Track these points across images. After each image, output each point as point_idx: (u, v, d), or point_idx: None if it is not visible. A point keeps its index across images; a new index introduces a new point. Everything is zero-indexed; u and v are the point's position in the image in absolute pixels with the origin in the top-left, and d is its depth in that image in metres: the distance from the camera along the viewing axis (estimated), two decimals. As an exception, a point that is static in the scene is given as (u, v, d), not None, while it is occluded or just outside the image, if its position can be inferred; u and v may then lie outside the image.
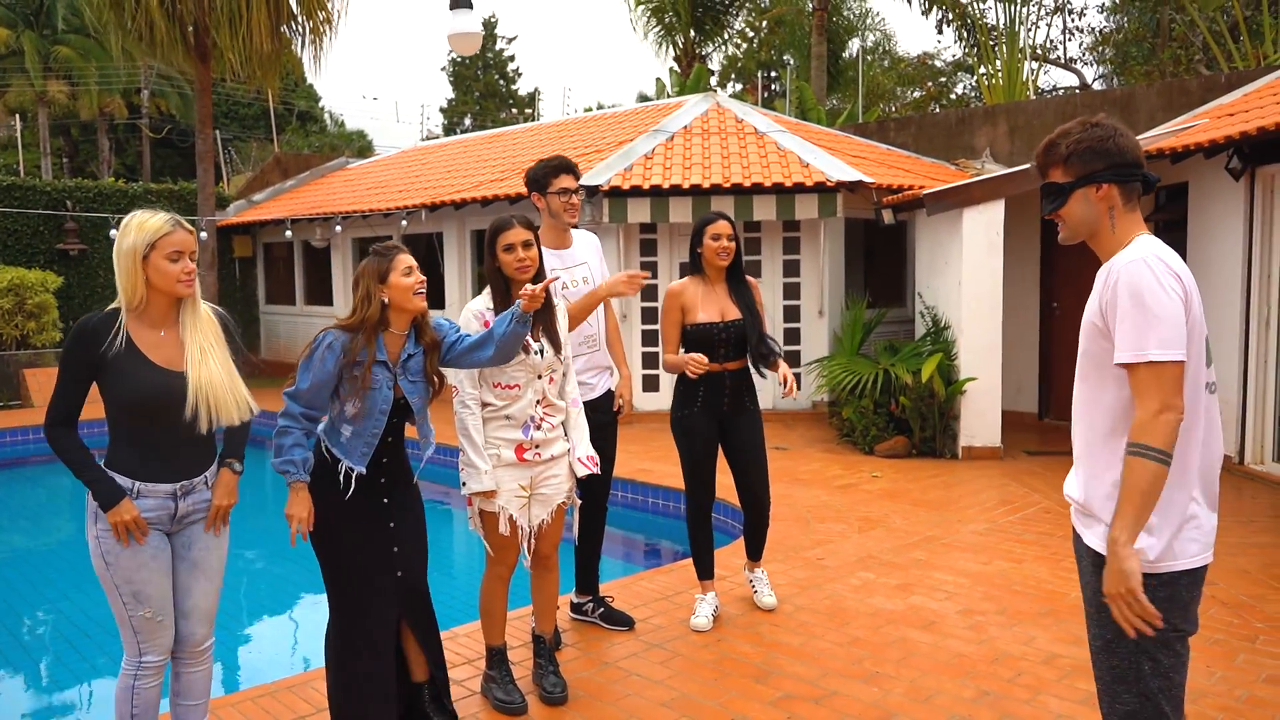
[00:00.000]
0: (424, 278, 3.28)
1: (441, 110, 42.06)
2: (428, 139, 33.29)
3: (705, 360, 4.29)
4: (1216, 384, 2.32)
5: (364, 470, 3.22)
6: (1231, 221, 7.75)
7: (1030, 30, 16.58)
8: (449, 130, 40.31)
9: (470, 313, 3.60)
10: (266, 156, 21.87)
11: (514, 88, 43.16)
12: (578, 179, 4.37)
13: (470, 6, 7.44)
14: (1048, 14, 16.85)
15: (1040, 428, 10.02)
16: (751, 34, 27.82)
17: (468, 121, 41.10)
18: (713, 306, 4.45)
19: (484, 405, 3.62)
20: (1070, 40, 20.55)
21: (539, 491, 3.72)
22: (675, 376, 4.54)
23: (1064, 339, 9.99)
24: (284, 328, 16.18)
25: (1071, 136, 2.30)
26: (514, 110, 41.84)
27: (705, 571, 4.62)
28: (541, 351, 3.65)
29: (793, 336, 10.70)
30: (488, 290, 3.69)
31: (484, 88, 42.27)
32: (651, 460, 8.41)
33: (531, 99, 43.04)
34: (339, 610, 3.27)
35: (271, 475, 11.02)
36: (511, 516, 3.63)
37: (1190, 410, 2.17)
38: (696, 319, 4.44)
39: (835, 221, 10.53)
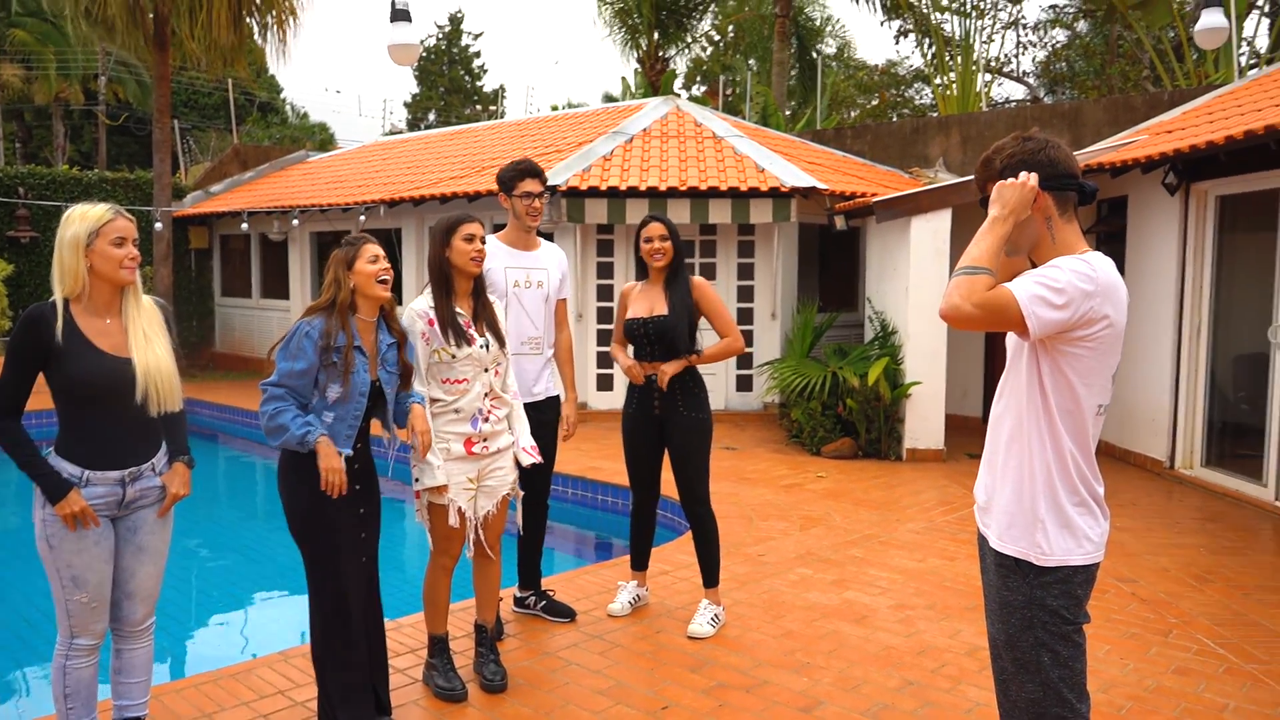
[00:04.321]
0: (389, 267, 3.39)
1: (406, 105, 41.89)
2: (391, 133, 33.13)
3: (637, 369, 4.43)
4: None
5: (350, 452, 3.31)
6: (1167, 235, 8.03)
7: (985, 43, 16.90)
8: (413, 125, 40.14)
9: (413, 313, 3.70)
10: (226, 147, 21.69)
11: (479, 84, 43.05)
12: (543, 184, 4.48)
13: (409, 19, 7.53)
14: (1002, 27, 17.21)
15: (984, 431, 10.24)
16: (717, 37, 28.05)
17: (432, 116, 40.96)
18: (643, 303, 4.52)
19: (433, 401, 3.72)
20: (1023, 54, 20.99)
21: (485, 483, 3.82)
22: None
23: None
24: (239, 320, 16.08)
25: (1005, 152, 2.40)
26: (479, 106, 41.75)
27: (637, 563, 4.77)
28: (486, 345, 3.76)
29: (745, 339, 10.86)
30: (428, 290, 3.78)
31: (449, 83, 42.14)
32: (602, 458, 8.53)
33: (497, 96, 42.98)
34: (324, 594, 3.34)
35: (218, 468, 10.91)
36: (460, 508, 3.74)
37: (1093, 433, 2.35)
38: (628, 315, 4.55)
39: (789, 226, 10.72)
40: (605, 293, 10.77)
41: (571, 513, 7.86)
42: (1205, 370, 7.78)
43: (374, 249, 3.37)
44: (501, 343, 3.84)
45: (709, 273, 10.80)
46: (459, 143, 14.73)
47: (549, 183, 10.12)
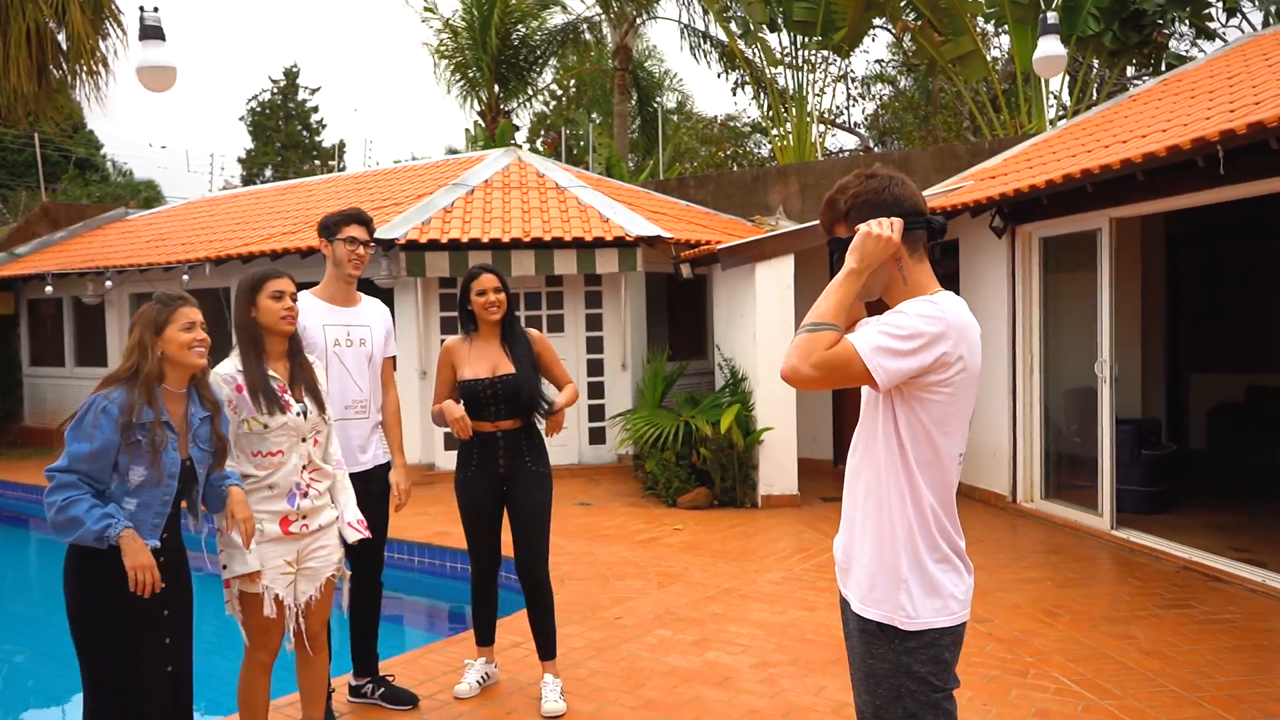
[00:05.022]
0: (206, 337, 3.04)
1: (240, 161, 40.31)
2: (225, 190, 31.74)
3: (468, 422, 4.12)
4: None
5: (158, 544, 2.91)
6: (997, 276, 8.31)
7: (817, 96, 17.52)
8: (248, 181, 38.62)
9: (218, 378, 3.32)
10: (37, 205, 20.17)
11: (318, 139, 41.95)
12: (370, 233, 4.18)
13: (162, 38, 6.86)
14: (832, 81, 17.91)
15: (835, 474, 10.35)
16: (560, 91, 28.18)
17: (268, 173, 39.52)
18: (482, 362, 4.22)
19: (244, 477, 3.33)
20: (854, 106, 21.98)
21: (306, 565, 3.45)
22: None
23: (856, 388, 10.40)
24: (51, 392, 14.82)
25: (849, 191, 2.26)
26: (317, 162, 40.61)
27: (482, 638, 4.45)
28: (305, 413, 3.41)
29: (596, 390, 10.68)
30: (235, 353, 3.41)
31: (285, 138, 40.89)
32: (450, 522, 8.10)
33: (336, 151, 41.94)
34: (98, 713, 2.90)
35: (27, 556, 9.86)
36: (277, 596, 3.34)
37: (951, 485, 2.23)
38: (464, 375, 4.23)
39: (636, 275, 10.64)
40: (450, 349, 10.39)
41: (419, 583, 7.41)
42: (1040, 405, 8.04)
43: (190, 313, 3.01)
44: (322, 408, 3.49)
45: (556, 324, 10.59)
46: (292, 197, 14.11)
47: (389, 236, 9.74)
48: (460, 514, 4.34)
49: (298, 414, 3.38)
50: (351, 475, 3.96)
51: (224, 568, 3.29)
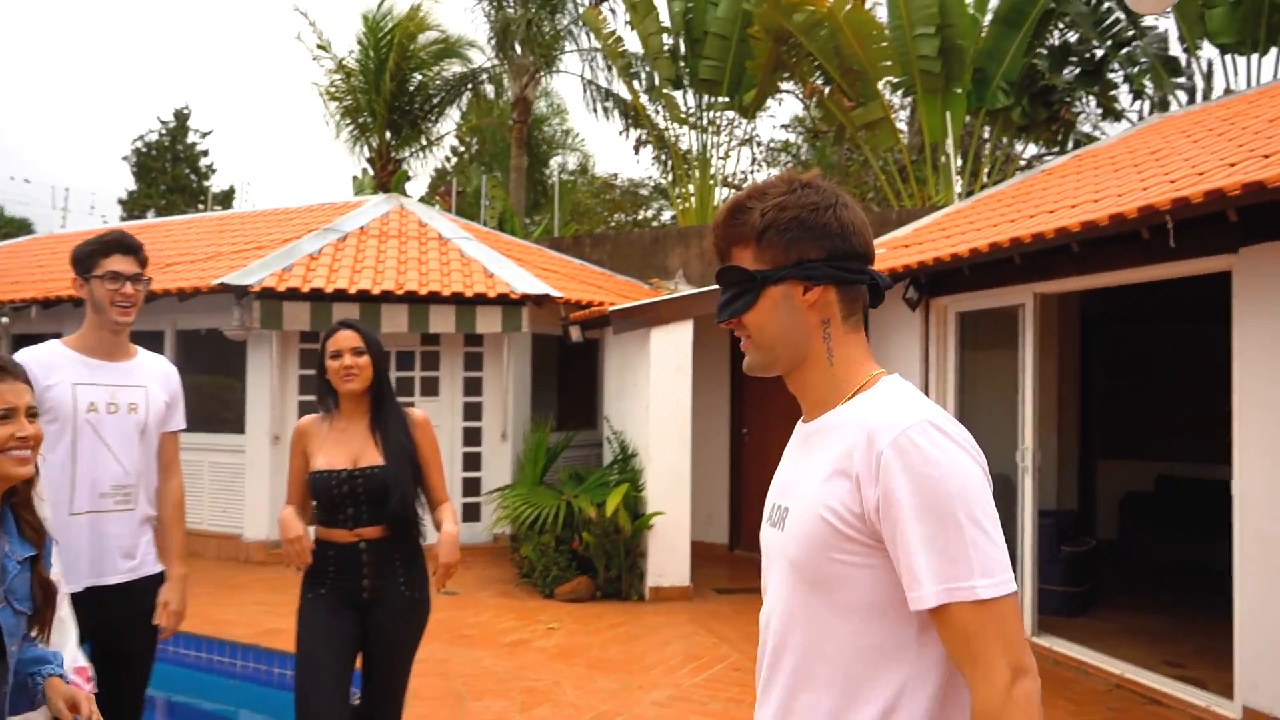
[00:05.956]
0: (34, 430, 2.04)
1: (120, 202, 38.22)
2: (103, 226, 29.76)
3: (306, 545, 3.12)
4: None
5: None
6: (909, 352, 7.68)
7: (722, 159, 17.09)
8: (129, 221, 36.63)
9: None
10: None
11: (206, 184, 40.19)
12: (141, 265, 3.20)
13: None
14: (737, 144, 17.56)
15: (731, 560, 9.54)
16: (461, 149, 27.35)
17: (151, 215, 37.61)
18: (341, 449, 3.24)
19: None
20: (759, 170, 21.71)
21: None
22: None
23: (754, 466, 9.67)
24: None
25: (771, 199, 1.42)
26: (201, 206, 38.84)
27: None
28: None
29: (473, 462, 9.65)
30: None
31: (172, 180, 39.04)
32: (286, 615, 6.93)
33: (228, 197, 40.26)
34: None
35: None
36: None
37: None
38: (316, 465, 3.23)
39: (521, 337, 9.74)
40: (310, 410, 9.25)
41: (242, 693, 6.25)
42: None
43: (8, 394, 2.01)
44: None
45: (431, 388, 9.57)
46: (147, 237, 12.75)
47: (242, 282, 8.65)
48: (296, 651, 3.21)
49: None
50: (110, 589, 2.97)
51: None
